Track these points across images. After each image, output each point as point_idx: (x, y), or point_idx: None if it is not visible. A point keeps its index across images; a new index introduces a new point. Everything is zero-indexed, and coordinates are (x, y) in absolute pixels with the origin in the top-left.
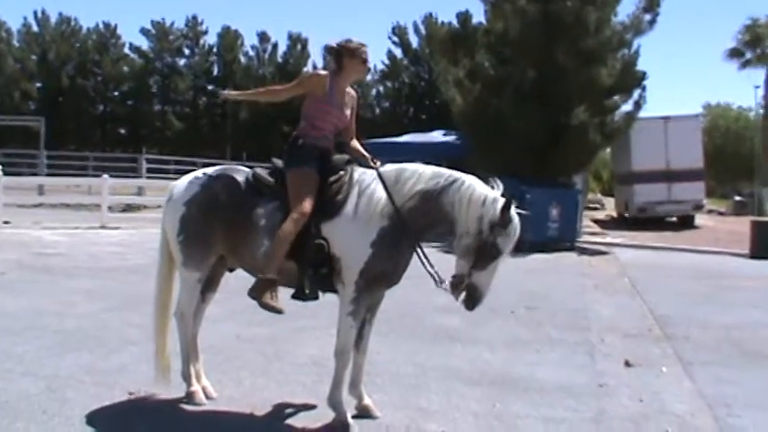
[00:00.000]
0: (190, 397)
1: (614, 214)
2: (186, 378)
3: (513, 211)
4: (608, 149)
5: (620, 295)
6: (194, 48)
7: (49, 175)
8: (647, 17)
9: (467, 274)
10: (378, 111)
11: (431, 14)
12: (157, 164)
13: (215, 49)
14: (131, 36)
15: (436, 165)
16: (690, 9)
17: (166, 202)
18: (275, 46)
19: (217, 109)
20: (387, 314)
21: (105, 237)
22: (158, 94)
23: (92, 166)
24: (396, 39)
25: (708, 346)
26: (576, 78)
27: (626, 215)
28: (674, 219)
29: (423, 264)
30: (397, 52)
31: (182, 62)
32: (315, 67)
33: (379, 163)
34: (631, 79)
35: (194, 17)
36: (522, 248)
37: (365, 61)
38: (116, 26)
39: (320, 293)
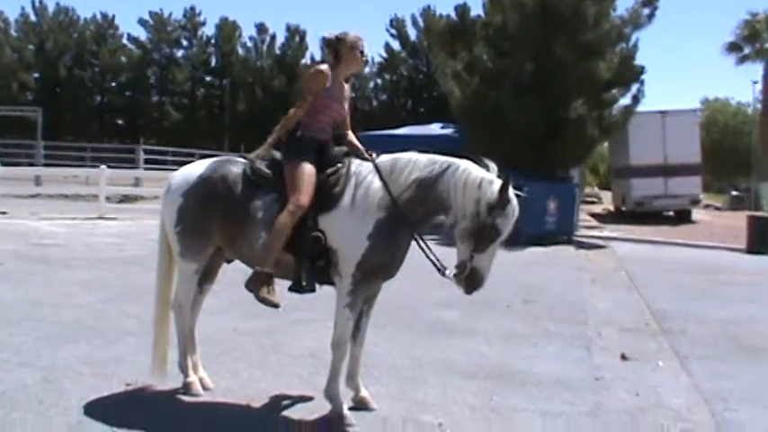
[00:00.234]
0: (187, 388)
1: (611, 208)
2: (183, 369)
3: (511, 191)
4: (605, 143)
5: (616, 289)
6: (192, 39)
7: (46, 165)
8: (646, 11)
9: (468, 259)
10: (375, 103)
11: (429, 7)
12: (155, 155)
13: (213, 41)
14: (129, 27)
15: None
16: (688, 3)
17: (164, 194)
18: (273, 37)
19: (214, 100)
20: (384, 306)
21: (103, 228)
22: (156, 85)
23: (89, 156)
24: (394, 31)
25: (704, 340)
26: (574, 72)
27: (623, 209)
28: (671, 213)
29: (425, 253)
30: (395, 45)
31: (179, 53)
32: (313, 59)
33: (375, 155)
34: (630, 73)
35: (192, 8)
36: (519, 242)
37: (363, 54)
38: (114, 17)
39: (317, 286)
